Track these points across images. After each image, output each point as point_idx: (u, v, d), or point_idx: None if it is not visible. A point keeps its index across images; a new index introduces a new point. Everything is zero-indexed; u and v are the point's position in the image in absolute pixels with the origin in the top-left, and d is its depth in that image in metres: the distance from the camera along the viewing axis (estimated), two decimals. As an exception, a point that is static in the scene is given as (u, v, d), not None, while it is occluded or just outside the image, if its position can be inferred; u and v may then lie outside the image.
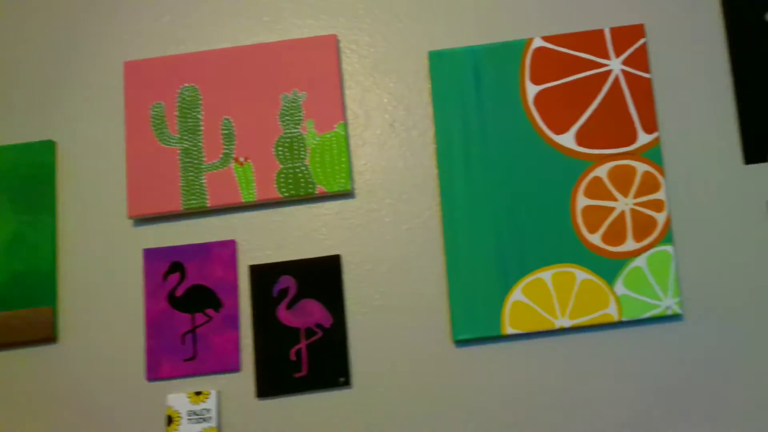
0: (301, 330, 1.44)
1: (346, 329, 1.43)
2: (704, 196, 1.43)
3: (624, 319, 1.36)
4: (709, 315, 1.39)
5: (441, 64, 1.51)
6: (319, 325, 1.44)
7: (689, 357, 1.38)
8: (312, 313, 1.44)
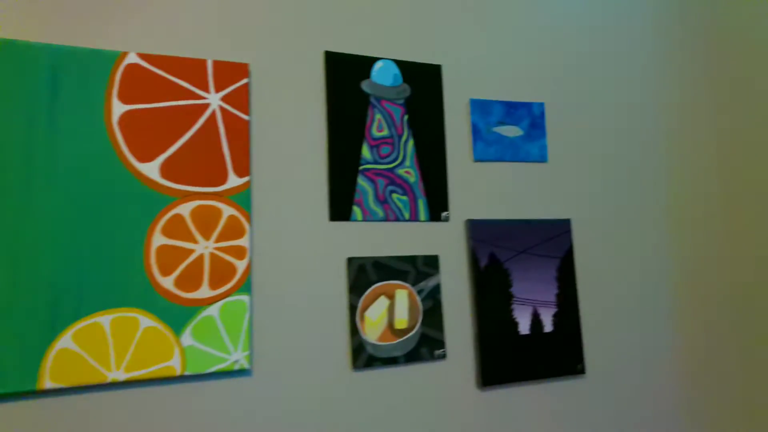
0: None
1: None
2: (288, 248, 1.39)
3: (188, 373, 1.21)
4: (279, 370, 1.32)
5: (11, 55, 1.24)
6: None
7: (257, 413, 1.29)
8: None
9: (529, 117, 1.73)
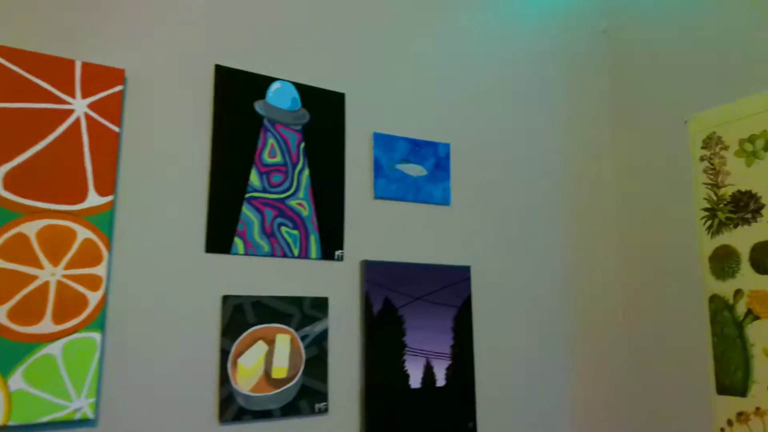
0: None
1: None
2: (153, 280, 1.24)
3: (12, 422, 1.02)
4: (131, 422, 1.15)
5: None
6: None
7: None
8: None
9: (435, 157, 1.64)
